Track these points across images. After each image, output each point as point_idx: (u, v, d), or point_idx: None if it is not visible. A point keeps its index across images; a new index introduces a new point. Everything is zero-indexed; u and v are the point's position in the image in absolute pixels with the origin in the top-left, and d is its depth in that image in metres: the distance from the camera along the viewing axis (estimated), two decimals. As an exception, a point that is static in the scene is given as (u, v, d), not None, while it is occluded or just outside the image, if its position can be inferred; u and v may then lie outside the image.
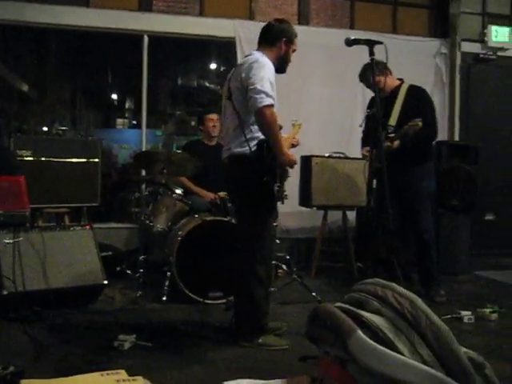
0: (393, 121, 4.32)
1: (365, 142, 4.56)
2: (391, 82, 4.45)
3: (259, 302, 3.24)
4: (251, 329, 3.23)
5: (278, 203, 3.33)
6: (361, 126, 4.32)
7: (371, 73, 3.90)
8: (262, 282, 3.24)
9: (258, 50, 3.34)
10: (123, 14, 5.86)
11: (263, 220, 3.27)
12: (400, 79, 4.55)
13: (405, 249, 4.55)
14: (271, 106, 3.03)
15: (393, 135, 4.23)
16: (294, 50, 3.40)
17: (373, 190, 3.67)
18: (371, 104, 4.45)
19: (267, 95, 3.01)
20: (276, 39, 3.32)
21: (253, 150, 3.13)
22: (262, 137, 3.15)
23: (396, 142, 4.20)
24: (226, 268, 3.96)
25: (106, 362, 2.81)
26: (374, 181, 4.13)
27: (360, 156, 4.93)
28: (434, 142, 4.81)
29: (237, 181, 3.29)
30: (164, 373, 2.75)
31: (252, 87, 3.02)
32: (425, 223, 4.43)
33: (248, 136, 3.15)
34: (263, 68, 3.09)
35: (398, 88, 4.46)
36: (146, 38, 6.02)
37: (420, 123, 4.03)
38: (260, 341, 3.20)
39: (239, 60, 5.71)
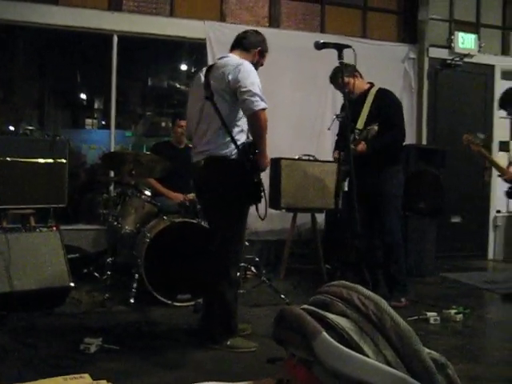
0: (360, 124, 4.34)
1: (338, 145, 4.60)
2: (360, 84, 4.49)
3: (230, 304, 3.25)
4: (220, 331, 3.22)
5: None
6: (329, 129, 4.35)
7: (339, 73, 3.97)
8: (233, 284, 3.26)
9: (232, 53, 3.35)
10: (92, 12, 5.79)
11: (240, 222, 3.30)
12: (370, 83, 4.60)
13: (374, 251, 4.58)
14: (265, 109, 3.08)
15: (356, 138, 4.25)
16: (261, 64, 3.46)
17: (341, 193, 3.68)
18: (344, 107, 4.49)
19: (261, 99, 3.06)
20: (252, 46, 3.38)
21: (238, 151, 3.15)
22: (242, 139, 3.19)
23: (361, 145, 4.20)
24: (195, 270, 3.96)
25: (72, 365, 2.78)
26: (346, 183, 4.18)
27: (330, 159, 4.97)
28: (403, 145, 4.83)
29: (217, 183, 3.21)
30: (130, 376, 2.72)
31: (245, 89, 3.04)
32: (389, 226, 4.42)
33: (223, 137, 3.16)
34: (251, 72, 3.14)
35: (367, 91, 4.49)
36: (115, 38, 5.96)
37: (376, 127, 4.07)
38: (228, 343, 3.20)
39: (210, 61, 5.70)
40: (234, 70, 3.11)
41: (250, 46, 3.37)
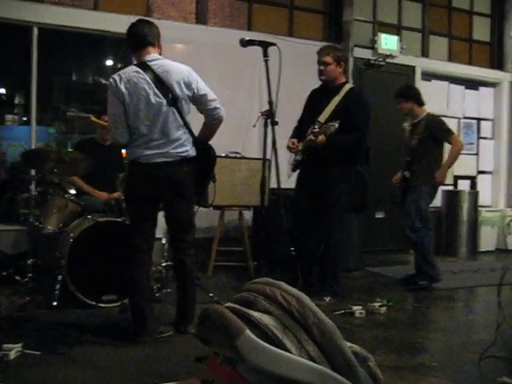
0: (323, 118, 4.29)
1: (296, 133, 4.54)
2: (336, 74, 4.41)
3: None
4: (193, 313, 3.39)
5: None
6: (254, 126, 4.34)
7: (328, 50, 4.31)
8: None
9: (152, 54, 3.31)
10: (10, 2, 5.50)
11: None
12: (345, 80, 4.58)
13: (311, 247, 4.58)
14: None
15: (317, 130, 4.16)
16: None
17: (266, 190, 3.70)
18: (312, 95, 4.57)
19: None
20: (157, 39, 3.39)
21: (200, 151, 3.40)
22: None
23: (320, 137, 4.11)
24: (120, 270, 3.87)
25: (-12, 374, 2.65)
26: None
27: (257, 156, 4.99)
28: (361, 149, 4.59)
29: (190, 180, 3.37)
30: (53, 383, 2.63)
31: (212, 98, 3.28)
32: (330, 226, 4.40)
33: (191, 140, 3.36)
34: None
35: (340, 86, 4.42)
36: (35, 30, 5.71)
37: (337, 125, 4.00)
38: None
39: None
40: (195, 78, 3.27)
41: (155, 40, 3.37)
